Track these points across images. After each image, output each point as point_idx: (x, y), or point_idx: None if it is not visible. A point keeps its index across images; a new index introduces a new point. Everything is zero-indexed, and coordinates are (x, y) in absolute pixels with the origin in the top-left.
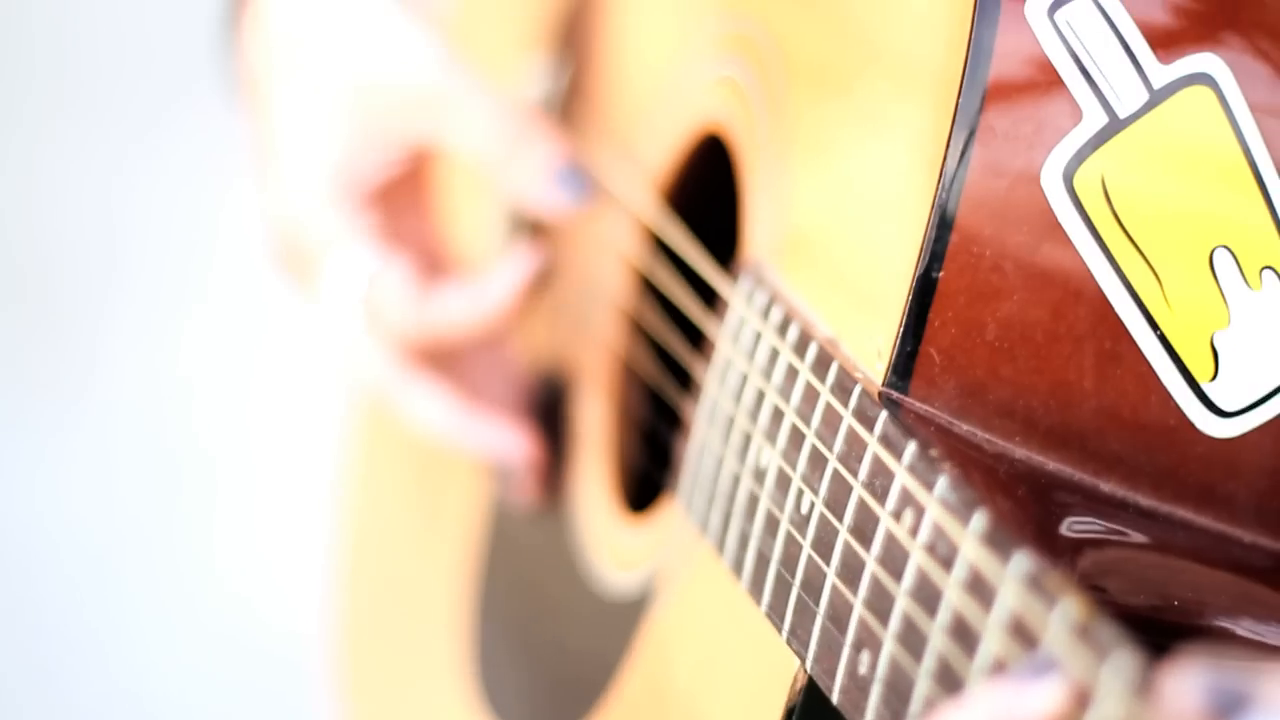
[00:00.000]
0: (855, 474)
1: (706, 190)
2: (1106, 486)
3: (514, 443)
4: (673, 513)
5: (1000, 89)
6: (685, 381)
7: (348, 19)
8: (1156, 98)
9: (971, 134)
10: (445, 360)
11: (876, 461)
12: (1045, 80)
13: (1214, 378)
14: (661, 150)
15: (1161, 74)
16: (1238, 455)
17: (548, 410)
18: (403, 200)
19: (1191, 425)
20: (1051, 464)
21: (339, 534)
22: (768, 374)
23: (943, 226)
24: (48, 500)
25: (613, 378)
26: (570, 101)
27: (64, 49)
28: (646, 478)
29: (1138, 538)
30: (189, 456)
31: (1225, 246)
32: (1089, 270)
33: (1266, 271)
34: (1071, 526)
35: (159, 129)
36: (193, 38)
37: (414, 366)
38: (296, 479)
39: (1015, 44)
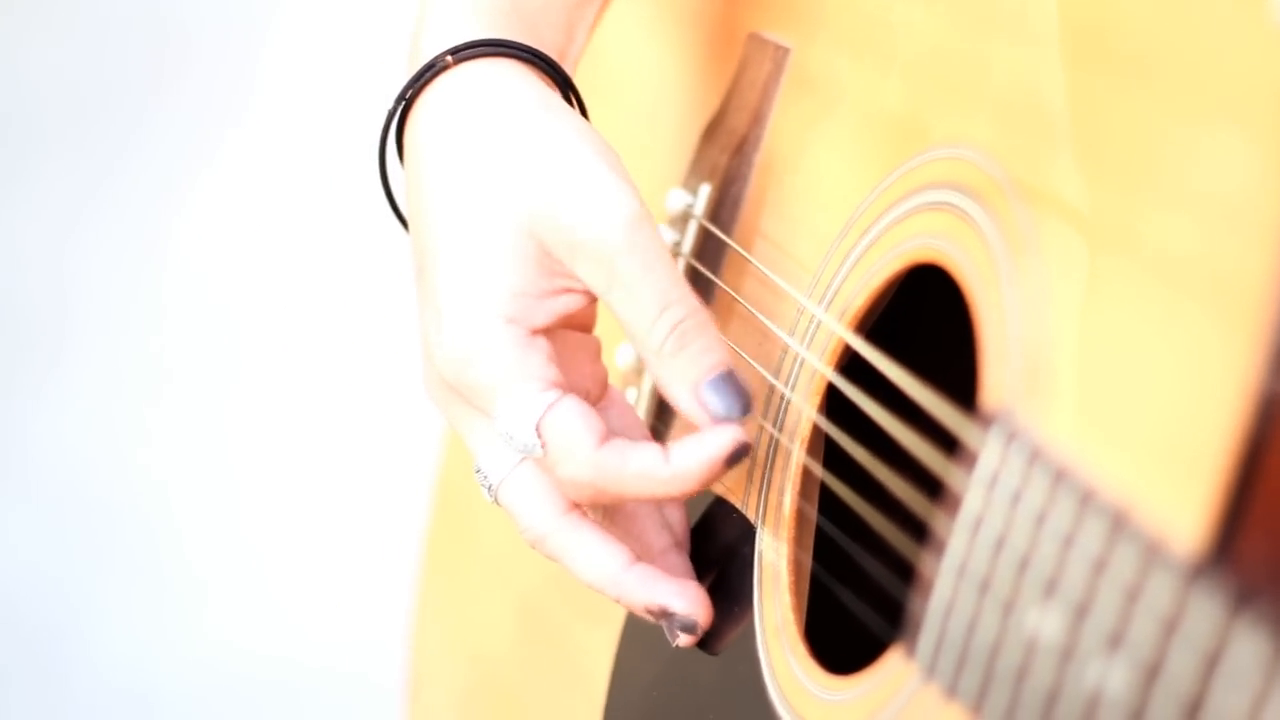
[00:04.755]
0: (1165, 651)
1: (923, 325)
2: None
3: (686, 603)
4: (895, 674)
5: None
6: (914, 531)
7: (530, 143)
8: None
9: None
10: (609, 507)
11: (1207, 636)
12: None
13: None
14: (862, 283)
15: None
16: None
17: (720, 550)
18: (565, 337)
19: None
20: None
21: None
22: (1038, 534)
23: (1272, 393)
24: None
25: (800, 520)
26: (725, 225)
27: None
28: (838, 632)
29: None
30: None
31: None
32: None
33: None
34: None
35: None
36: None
37: (579, 514)
38: (290, 492)
39: None
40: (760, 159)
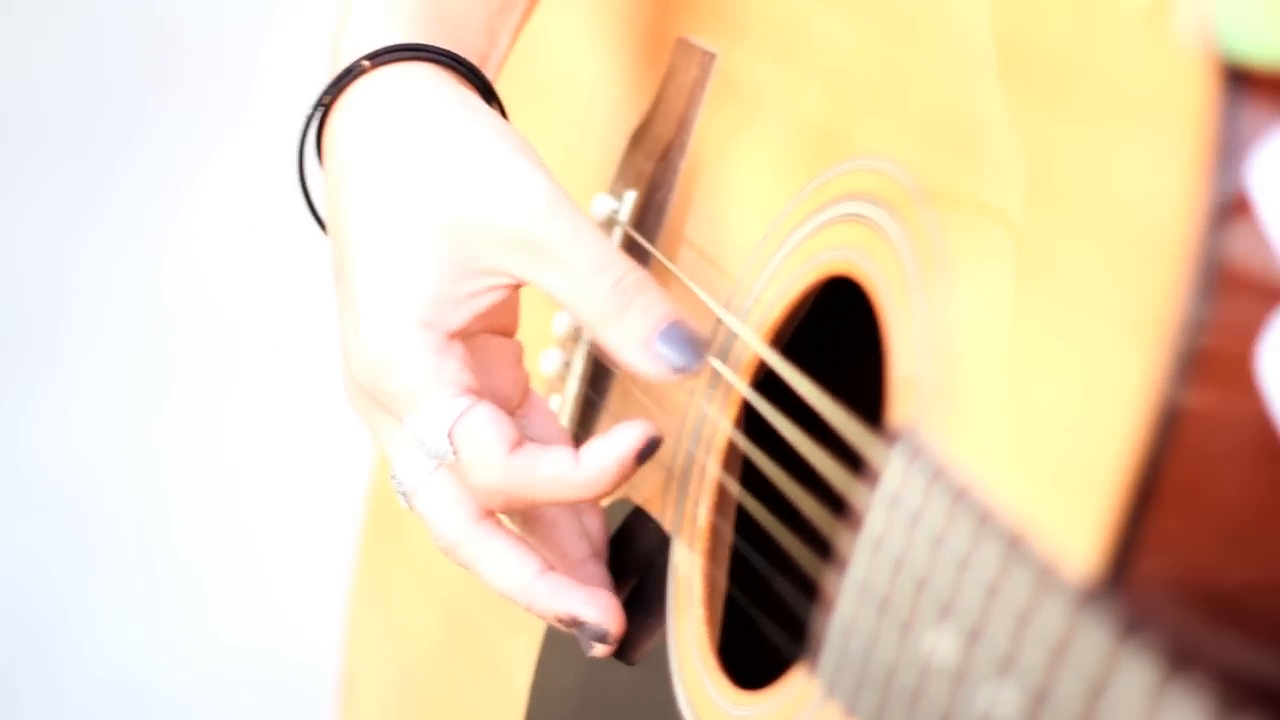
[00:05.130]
0: (1053, 677)
1: (834, 340)
2: None
3: (597, 612)
4: (799, 692)
5: (1237, 266)
6: (821, 549)
7: (446, 144)
8: None
9: (1207, 291)
10: (525, 514)
11: (1094, 663)
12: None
13: None
14: (778, 295)
15: None
16: None
17: (637, 561)
18: (482, 343)
19: None
20: None
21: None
22: (935, 555)
23: (1169, 410)
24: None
25: (714, 534)
26: (649, 232)
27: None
28: (750, 645)
29: None
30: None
31: None
32: None
33: None
34: None
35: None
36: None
37: (492, 522)
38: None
39: (1252, 218)
40: (685, 166)
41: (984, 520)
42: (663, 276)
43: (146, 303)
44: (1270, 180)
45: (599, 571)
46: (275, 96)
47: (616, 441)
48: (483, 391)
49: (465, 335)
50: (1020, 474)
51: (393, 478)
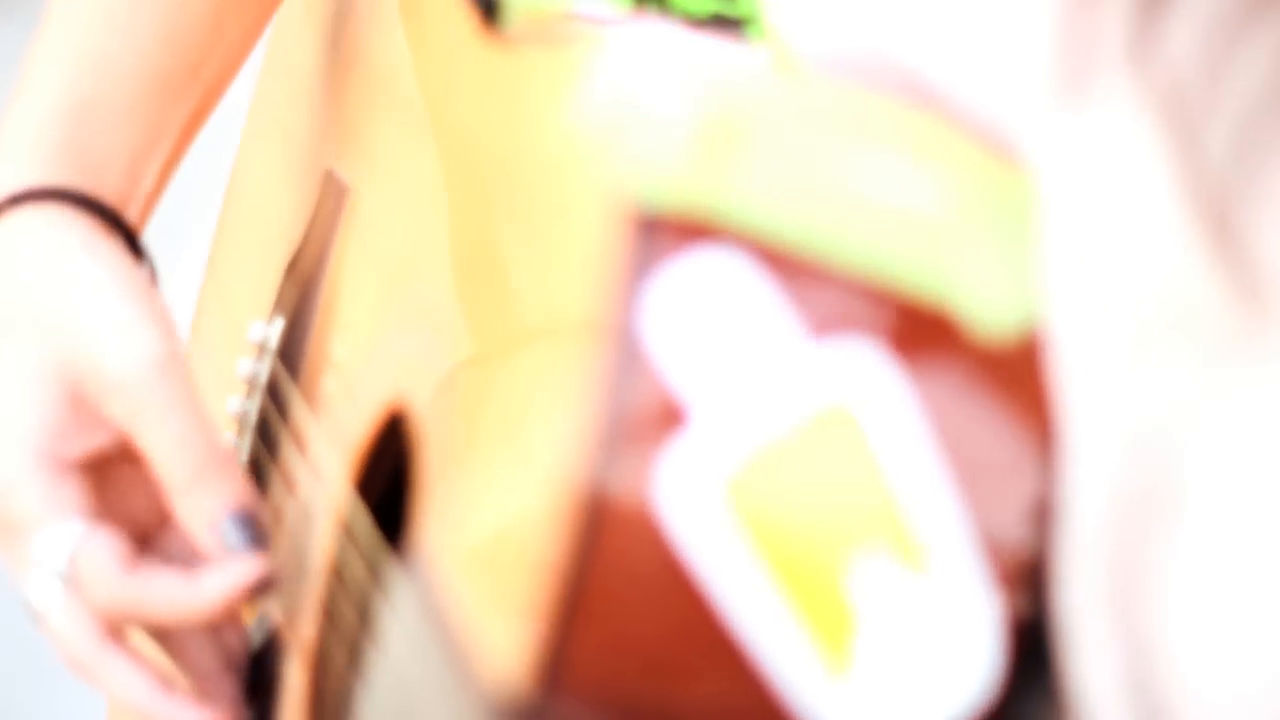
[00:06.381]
0: None
1: (392, 473)
2: None
3: None
4: None
5: (630, 393)
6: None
7: (62, 288)
8: (796, 410)
9: (606, 442)
10: (154, 630)
11: None
12: (675, 385)
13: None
14: (357, 426)
15: (804, 386)
16: None
17: (265, 676)
18: (114, 467)
19: None
20: None
21: None
22: (410, 684)
23: (584, 534)
24: None
25: (315, 648)
26: (292, 361)
27: None
28: None
29: None
30: None
31: (861, 557)
32: (715, 586)
33: (898, 582)
34: None
35: None
36: None
37: (114, 640)
38: None
39: (646, 350)
40: (321, 298)
41: (449, 639)
42: (310, 398)
43: None
44: (661, 320)
45: (229, 685)
46: None
47: (232, 572)
48: (109, 514)
49: (87, 463)
50: (477, 598)
51: (25, 603)
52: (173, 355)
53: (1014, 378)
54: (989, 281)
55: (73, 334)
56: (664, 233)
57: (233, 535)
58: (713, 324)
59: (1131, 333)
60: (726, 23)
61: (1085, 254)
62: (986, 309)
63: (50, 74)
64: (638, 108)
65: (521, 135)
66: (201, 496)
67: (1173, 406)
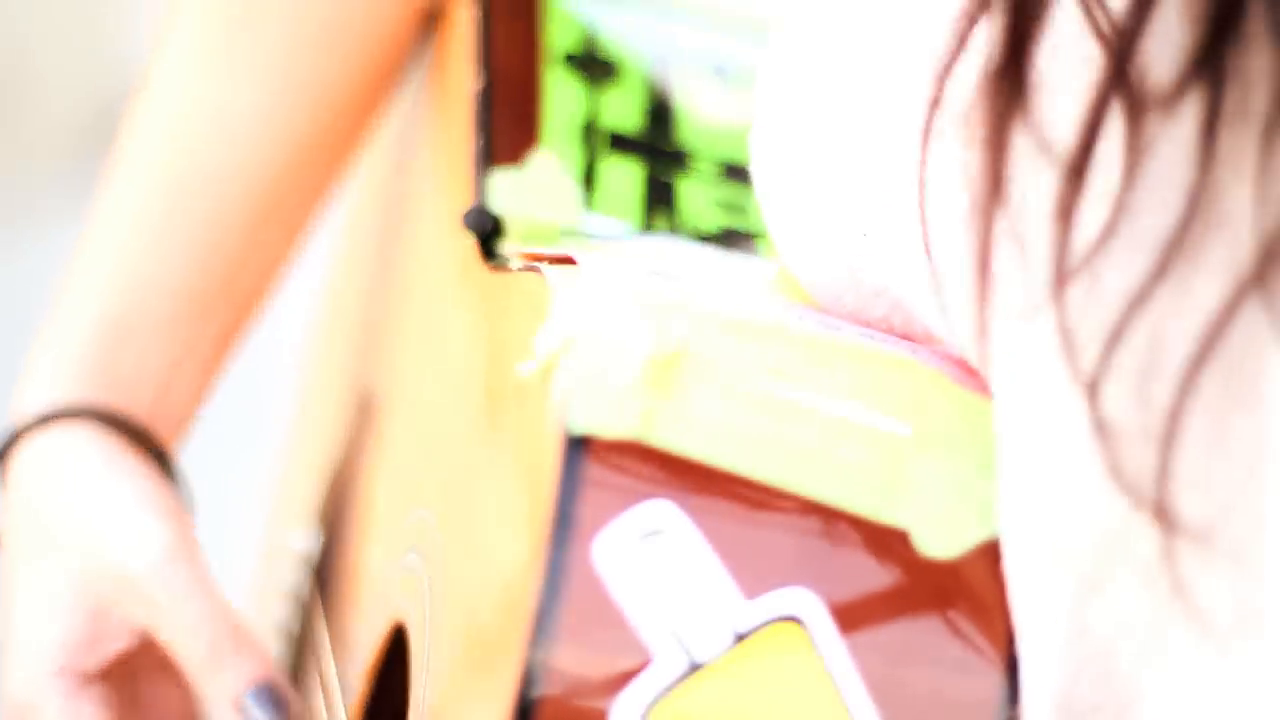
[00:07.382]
0: None
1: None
2: None
3: None
4: None
5: (570, 629)
6: None
7: (81, 503)
8: (740, 636)
9: (536, 674)
10: None
11: None
12: (615, 622)
13: None
14: (369, 640)
15: (747, 612)
16: None
17: None
18: (145, 671)
19: None
20: None
21: None
22: None
23: None
24: None
25: None
26: (325, 570)
27: None
28: None
29: None
30: None
31: None
32: None
33: None
34: None
35: None
36: None
37: None
38: None
39: (584, 587)
40: (351, 513)
41: None
42: (333, 618)
43: None
44: (613, 561)
45: None
46: None
47: None
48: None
49: (108, 674)
50: None
51: None
52: (182, 542)
53: (962, 592)
54: (937, 515)
55: (93, 551)
56: (601, 463)
57: (255, 710)
58: (651, 577)
59: (1083, 568)
60: (737, 237)
61: (1037, 480)
62: (937, 537)
63: (82, 293)
64: (593, 338)
65: (498, 360)
66: (222, 675)
67: (1120, 629)
